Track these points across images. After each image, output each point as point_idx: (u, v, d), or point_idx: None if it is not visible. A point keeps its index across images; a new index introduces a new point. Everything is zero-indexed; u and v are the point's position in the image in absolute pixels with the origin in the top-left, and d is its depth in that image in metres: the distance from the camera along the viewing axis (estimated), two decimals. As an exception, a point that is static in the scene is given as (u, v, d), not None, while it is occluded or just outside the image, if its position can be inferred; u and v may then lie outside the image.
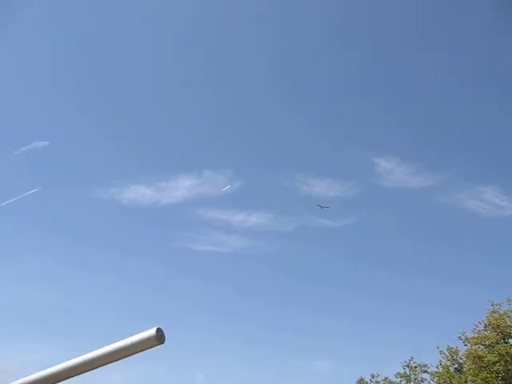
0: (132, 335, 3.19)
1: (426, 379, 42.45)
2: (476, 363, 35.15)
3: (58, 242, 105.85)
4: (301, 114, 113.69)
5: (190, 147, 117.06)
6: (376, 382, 45.20)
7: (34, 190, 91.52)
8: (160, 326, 3.01)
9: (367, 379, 45.63)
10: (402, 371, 43.43)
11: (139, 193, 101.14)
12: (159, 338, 2.94)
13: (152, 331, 2.93)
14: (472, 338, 36.55)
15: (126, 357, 3.07)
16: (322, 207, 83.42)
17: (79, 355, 3.19)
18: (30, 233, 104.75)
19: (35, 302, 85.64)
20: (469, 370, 36.36)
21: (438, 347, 40.09)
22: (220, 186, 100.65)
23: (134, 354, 3.04)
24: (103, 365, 3.13)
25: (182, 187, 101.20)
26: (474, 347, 35.87)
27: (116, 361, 3.09)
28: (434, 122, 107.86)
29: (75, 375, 3.23)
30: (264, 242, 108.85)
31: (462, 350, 38.22)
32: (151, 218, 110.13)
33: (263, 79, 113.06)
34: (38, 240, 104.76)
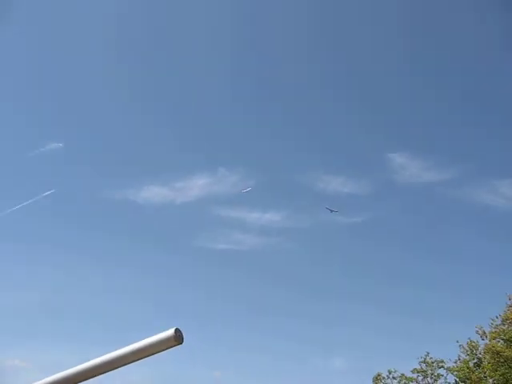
0: (152, 334, 3.21)
1: (442, 375, 41.89)
2: (494, 358, 34.50)
3: (78, 241, 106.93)
4: (313, 110, 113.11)
5: (203, 146, 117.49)
6: (393, 377, 44.77)
7: (49, 192, 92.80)
8: (178, 327, 3.01)
9: (384, 375, 45.22)
10: (418, 367, 42.91)
11: (154, 192, 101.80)
12: (177, 338, 2.95)
13: (170, 332, 2.94)
14: (490, 332, 35.91)
15: (144, 357, 3.08)
16: (332, 211, 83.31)
17: (98, 356, 3.19)
18: (50, 232, 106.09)
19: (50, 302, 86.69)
20: (487, 364, 35.72)
21: (457, 341, 39.40)
22: (234, 184, 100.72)
23: (152, 354, 3.05)
24: (121, 366, 3.14)
25: (197, 186, 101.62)
26: (492, 342, 35.24)
27: (134, 362, 3.10)
28: (448, 116, 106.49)
29: (93, 377, 3.25)
30: (280, 239, 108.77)
31: (482, 344, 37.58)
32: (167, 218, 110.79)
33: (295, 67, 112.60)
34: (59, 239, 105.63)
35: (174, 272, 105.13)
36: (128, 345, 3.17)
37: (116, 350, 3.19)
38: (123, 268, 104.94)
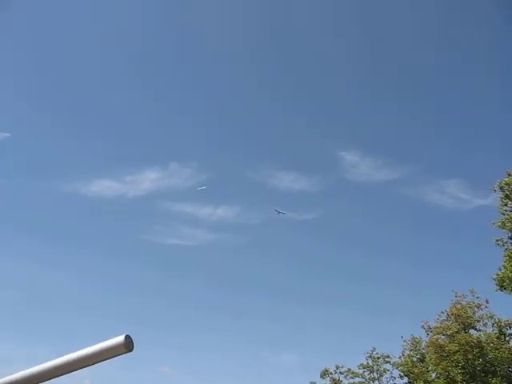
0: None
1: (388, 370, 42.86)
2: (437, 352, 35.46)
3: (21, 237, 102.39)
4: (268, 106, 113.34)
5: (154, 140, 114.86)
6: (340, 373, 45.33)
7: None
8: (128, 334, 2.85)
9: (332, 370, 45.71)
10: (365, 362, 43.70)
11: (104, 186, 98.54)
12: (128, 345, 2.79)
13: (120, 338, 2.78)
14: (435, 327, 36.92)
15: (93, 364, 2.91)
16: (279, 212, 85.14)
17: (44, 361, 2.99)
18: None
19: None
20: (430, 359, 36.70)
21: (402, 336, 40.43)
22: (186, 178, 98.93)
23: (101, 361, 2.89)
24: (69, 372, 2.92)
25: (148, 180, 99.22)
26: (435, 336, 36.23)
27: (83, 368, 2.91)
28: (398, 116, 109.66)
29: (39, 382, 3.01)
30: (231, 235, 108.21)
31: (425, 339, 38.65)
32: (117, 212, 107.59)
33: (234, 67, 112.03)
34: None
35: (119, 268, 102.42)
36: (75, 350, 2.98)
37: (63, 356, 2.97)
38: (69, 263, 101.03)
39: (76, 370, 2.94)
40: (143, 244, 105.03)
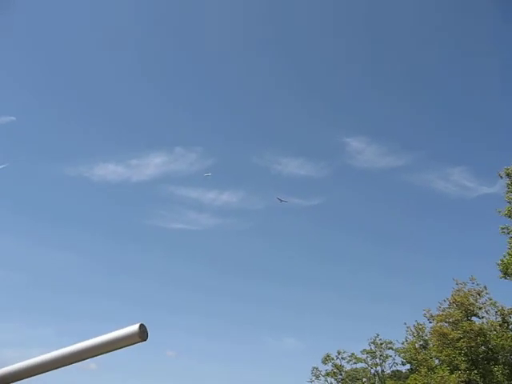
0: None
1: (390, 355, 43.28)
2: (440, 340, 35.72)
3: (25, 219, 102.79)
4: (274, 92, 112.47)
5: (160, 124, 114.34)
6: (342, 358, 45.79)
7: (1, 166, 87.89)
8: (143, 322, 2.77)
9: (333, 356, 46.18)
10: (367, 348, 44.10)
11: (108, 170, 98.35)
12: (142, 334, 2.72)
13: (135, 327, 2.71)
14: (437, 315, 37.11)
15: (105, 353, 2.87)
16: (281, 201, 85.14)
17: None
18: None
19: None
20: (433, 346, 36.98)
21: (405, 323, 40.62)
22: (191, 163, 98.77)
23: (114, 350, 2.86)
24: (80, 360, 2.92)
25: (153, 165, 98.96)
26: (438, 324, 36.44)
27: (94, 357, 2.91)
28: (404, 103, 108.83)
29: (47, 371, 3.03)
30: (235, 220, 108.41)
31: (428, 326, 38.87)
32: (122, 196, 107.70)
33: (240, 55, 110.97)
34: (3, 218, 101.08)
35: (124, 252, 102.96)
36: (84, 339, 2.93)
37: (73, 344, 2.96)
38: (75, 245, 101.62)
39: (87, 358, 2.91)
40: (147, 228, 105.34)
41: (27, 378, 3.10)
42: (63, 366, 3.01)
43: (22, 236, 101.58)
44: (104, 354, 2.97)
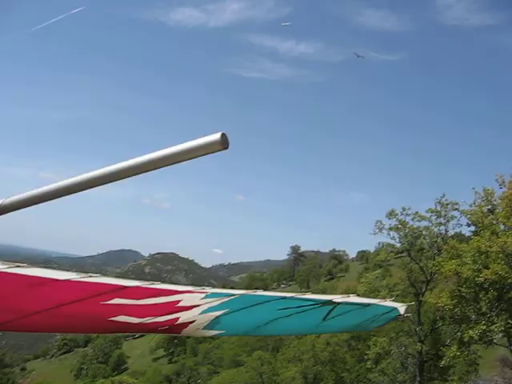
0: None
1: (456, 216, 41.63)
2: (509, 206, 33.24)
3: (100, 57, 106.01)
4: None
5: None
6: (407, 214, 45.09)
7: (80, 8, 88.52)
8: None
9: (398, 212, 45.58)
10: (433, 207, 42.61)
11: (185, 14, 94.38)
12: (223, 142, 2.47)
13: (217, 135, 2.47)
14: (510, 181, 33.90)
15: (186, 160, 2.69)
16: (358, 56, 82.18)
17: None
18: (75, 52, 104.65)
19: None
20: (501, 211, 34.69)
21: (473, 188, 37.91)
22: (269, 9, 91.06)
23: (196, 157, 2.64)
24: (162, 166, 2.84)
25: (230, 10, 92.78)
26: (510, 191, 33.51)
27: (172, 164, 2.67)
28: None
29: (128, 176, 2.89)
30: (310, 71, 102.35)
31: (498, 192, 36.02)
32: (198, 41, 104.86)
33: None
34: (86, 60, 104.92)
35: (200, 97, 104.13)
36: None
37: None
38: (154, 89, 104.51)
39: (165, 166, 2.73)
40: (222, 75, 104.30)
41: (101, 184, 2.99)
42: (141, 172, 2.96)
43: (95, 72, 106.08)
44: (185, 162, 2.88)
